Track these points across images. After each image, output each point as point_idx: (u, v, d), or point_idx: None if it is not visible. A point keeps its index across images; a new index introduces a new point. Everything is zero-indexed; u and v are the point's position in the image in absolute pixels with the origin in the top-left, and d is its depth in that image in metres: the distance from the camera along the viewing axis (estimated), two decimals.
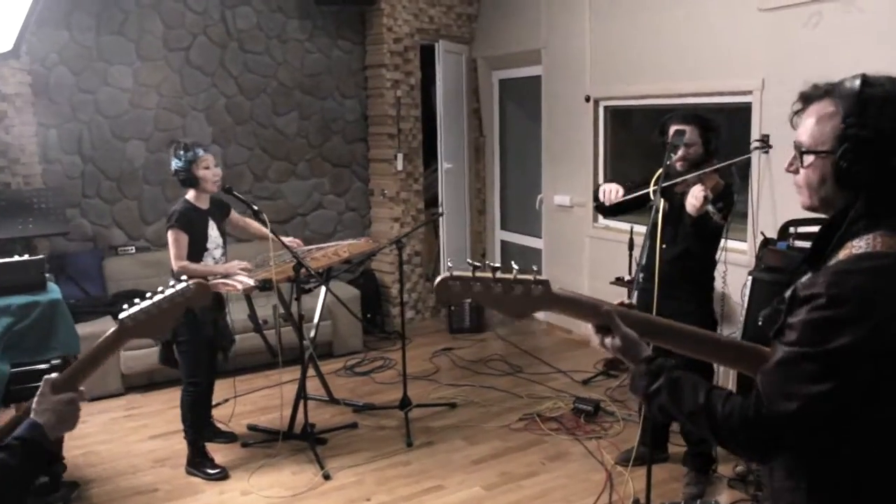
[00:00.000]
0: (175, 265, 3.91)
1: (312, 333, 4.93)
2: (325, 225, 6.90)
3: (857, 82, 1.39)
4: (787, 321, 1.38)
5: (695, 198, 3.41)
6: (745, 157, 4.41)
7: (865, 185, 1.39)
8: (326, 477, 4.03)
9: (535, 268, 1.58)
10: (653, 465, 3.51)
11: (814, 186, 1.46)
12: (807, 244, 3.70)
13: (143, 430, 4.71)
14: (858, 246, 1.38)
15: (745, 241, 4.74)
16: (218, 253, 4.11)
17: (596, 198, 3.91)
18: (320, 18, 6.59)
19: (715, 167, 3.58)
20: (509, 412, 4.83)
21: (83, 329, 5.01)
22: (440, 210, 6.66)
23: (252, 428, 4.62)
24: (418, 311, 7.06)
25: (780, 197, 4.44)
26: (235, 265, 4.04)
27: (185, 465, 4.14)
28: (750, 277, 3.98)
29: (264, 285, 3.97)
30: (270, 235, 3.99)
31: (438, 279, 1.55)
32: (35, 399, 1.51)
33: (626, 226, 5.32)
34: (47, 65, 5.53)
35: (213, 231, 4.09)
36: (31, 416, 1.49)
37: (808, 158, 1.45)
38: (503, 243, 7.49)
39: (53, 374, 1.55)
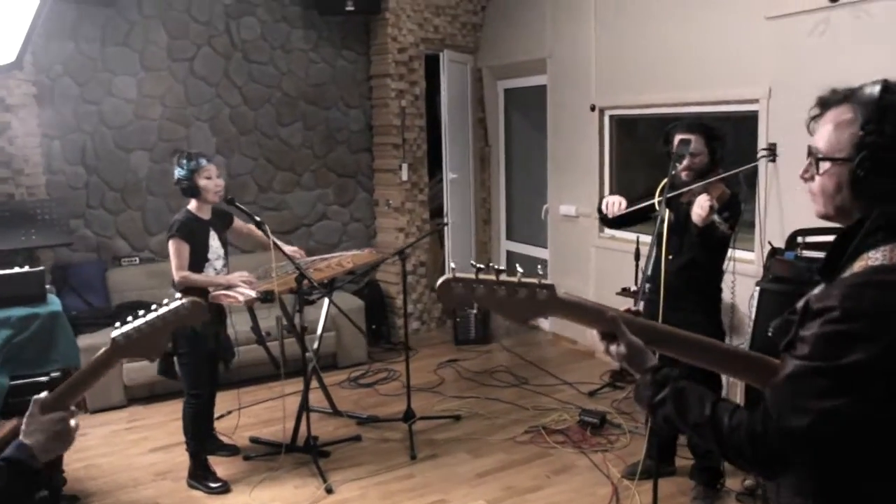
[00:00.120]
0: (176, 275, 3.89)
1: (316, 345, 4.89)
2: (329, 236, 6.88)
3: (878, 88, 1.35)
4: (798, 334, 1.34)
5: (700, 207, 3.36)
6: (752, 165, 4.37)
7: (883, 194, 1.34)
8: (329, 491, 3.98)
9: (540, 271, 1.54)
10: (660, 479, 3.46)
11: (829, 194, 1.41)
12: (815, 254, 3.66)
13: (144, 443, 4.67)
14: (875, 258, 1.33)
15: (753, 250, 4.69)
16: (219, 264, 4.08)
17: (600, 210, 3.87)
18: (324, 28, 6.58)
19: (721, 176, 3.54)
20: (514, 424, 4.78)
21: (86, 340, 5.03)
22: (445, 220, 6.63)
23: (254, 440, 4.58)
24: (424, 322, 7.02)
25: (787, 206, 4.39)
26: (237, 277, 4.01)
27: (186, 478, 4.10)
28: (757, 288, 3.92)
29: (266, 297, 3.93)
30: (272, 247, 3.96)
31: (440, 281, 1.50)
32: (24, 419, 1.47)
33: (632, 236, 5.28)
34: (52, 76, 5.53)
35: (214, 242, 4.06)
36: (20, 436, 1.45)
37: (824, 165, 1.40)
38: (509, 253, 7.45)
39: (43, 394, 1.51)
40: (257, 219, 4.05)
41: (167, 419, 4.93)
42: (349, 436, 4.63)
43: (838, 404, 1.25)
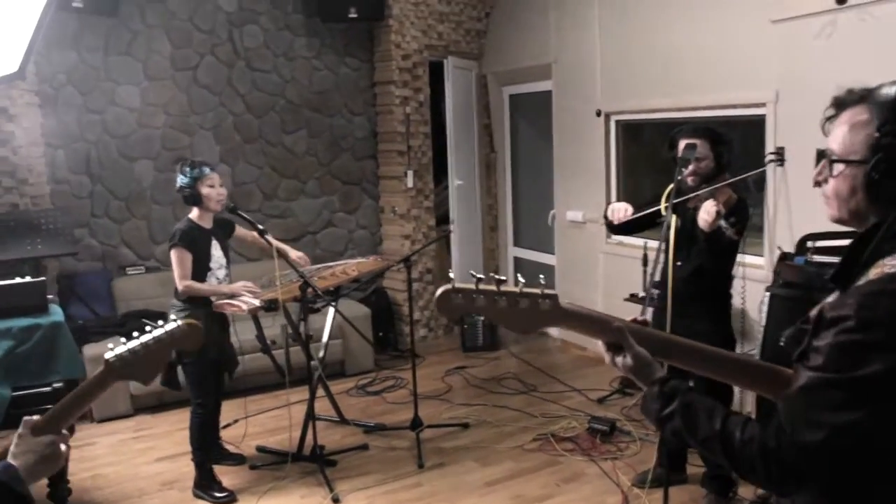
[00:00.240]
0: (180, 285, 3.87)
1: (322, 353, 4.86)
2: (335, 243, 6.86)
3: (894, 89, 1.31)
4: (812, 344, 1.29)
5: (707, 213, 3.32)
6: (760, 170, 4.32)
7: None
8: (336, 500, 3.95)
9: (542, 280, 1.50)
10: (670, 487, 3.43)
11: (843, 198, 1.37)
12: (825, 258, 3.61)
13: (150, 452, 4.65)
14: (891, 265, 1.27)
15: (762, 255, 4.65)
16: (221, 273, 4.06)
17: (606, 216, 3.83)
18: (328, 36, 6.57)
19: (728, 181, 3.50)
20: (523, 432, 4.74)
21: (93, 350, 5.03)
22: (450, 227, 6.59)
23: (261, 449, 4.55)
24: (431, 329, 6.99)
25: (796, 210, 4.34)
26: (241, 286, 3.99)
27: (192, 487, 4.07)
28: (767, 293, 3.88)
29: (270, 305, 3.91)
30: (276, 255, 3.94)
31: (440, 291, 1.47)
32: (14, 440, 1.44)
33: (639, 241, 5.25)
34: (55, 85, 5.53)
35: (216, 251, 4.04)
36: (8, 457, 1.41)
37: (838, 167, 1.36)
38: (516, 260, 7.42)
39: (34, 417, 1.47)
40: (260, 227, 4.03)
41: (174, 428, 4.91)
42: (356, 444, 4.59)
43: (854, 418, 1.20)
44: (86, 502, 4.01)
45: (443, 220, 7.05)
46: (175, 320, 1.55)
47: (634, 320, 1.54)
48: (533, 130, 7.08)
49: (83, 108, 5.65)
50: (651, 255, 4.69)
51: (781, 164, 4.36)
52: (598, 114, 5.89)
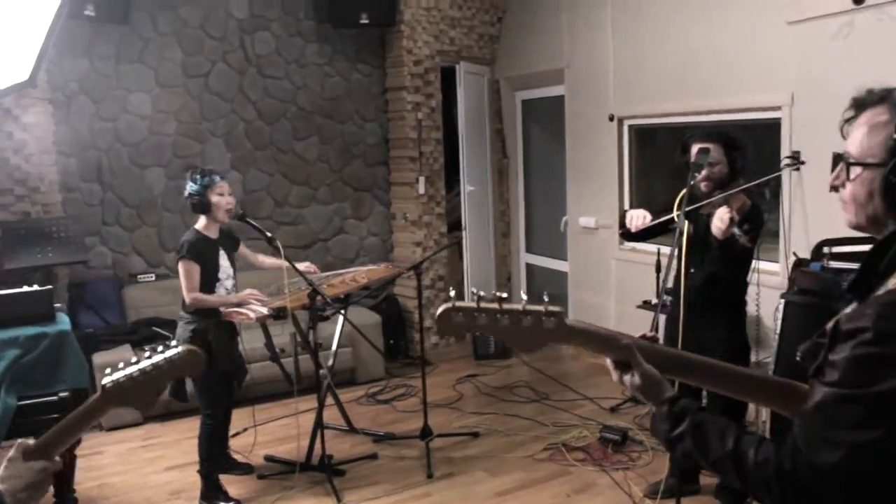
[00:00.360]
0: (187, 297, 3.84)
1: (331, 362, 4.82)
2: (346, 250, 6.83)
3: None
4: (828, 358, 1.22)
5: (720, 220, 3.23)
6: (776, 174, 4.25)
7: None
8: None
9: (546, 297, 1.45)
10: (683, 498, 3.36)
11: (861, 202, 1.30)
12: (842, 265, 3.53)
13: (159, 461, 4.62)
14: None
15: (777, 262, 4.56)
16: (229, 283, 4.03)
17: (622, 224, 3.75)
18: (339, 42, 6.56)
19: (742, 187, 3.43)
20: (534, 441, 4.67)
21: (103, 358, 5.02)
22: (462, 234, 6.54)
23: (269, 459, 4.51)
24: (443, 337, 6.93)
25: (812, 215, 4.26)
26: (248, 294, 3.96)
27: (198, 499, 4.04)
28: (782, 301, 3.80)
29: (278, 314, 3.88)
30: (284, 262, 3.90)
31: (440, 310, 1.42)
32: (3, 463, 1.39)
33: (653, 247, 5.18)
34: (67, 93, 5.54)
35: (224, 261, 4.01)
36: None
37: (855, 171, 1.30)
38: (528, 266, 7.35)
39: (29, 440, 1.42)
40: (269, 234, 4.00)
41: (183, 437, 4.88)
42: (365, 454, 4.55)
43: (873, 436, 1.14)
44: None
45: (455, 226, 7.00)
46: (176, 346, 1.49)
47: (643, 336, 1.49)
48: (545, 136, 7.03)
49: (95, 116, 5.66)
50: (665, 262, 4.63)
51: (797, 169, 4.29)
52: (611, 118, 5.83)
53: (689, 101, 5.12)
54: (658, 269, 5.00)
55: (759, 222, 3.42)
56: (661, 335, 3.75)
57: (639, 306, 5.26)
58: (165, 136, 5.93)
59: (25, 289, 3.52)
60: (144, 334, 5.44)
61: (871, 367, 1.15)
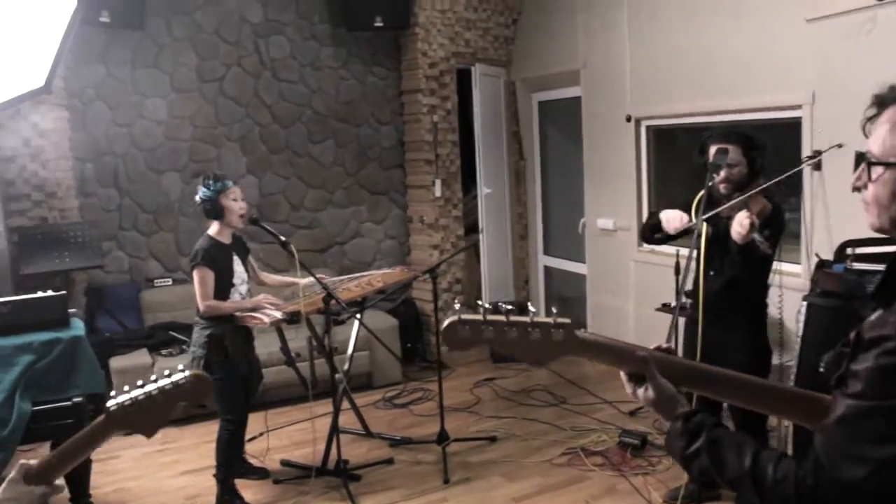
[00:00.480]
0: (202, 305, 3.84)
1: (346, 366, 4.79)
2: (363, 254, 6.81)
3: None
4: (850, 368, 1.17)
5: (740, 225, 3.13)
6: (796, 169, 4.15)
7: None
8: None
9: (554, 310, 1.39)
10: None
11: (883, 204, 1.24)
12: (866, 266, 3.45)
13: (175, 466, 4.62)
14: None
15: (799, 263, 4.48)
16: (244, 288, 4.02)
17: (655, 227, 3.66)
18: (354, 45, 6.54)
19: (762, 186, 3.34)
20: (552, 446, 4.62)
21: (120, 362, 5.04)
22: (479, 237, 6.50)
23: (285, 463, 4.49)
24: (450, 351, 6.86)
25: (835, 216, 4.18)
26: (262, 298, 3.95)
27: (214, 502, 4.02)
28: (805, 303, 3.72)
29: (292, 318, 3.86)
30: (289, 279, 3.90)
31: (446, 323, 1.38)
32: (4, 485, 1.37)
33: (671, 249, 5.09)
34: (84, 99, 5.56)
35: (238, 266, 4.00)
36: None
37: (877, 171, 1.24)
38: (546, 269, 7.29)
39: (32, 461, 1.40)
40: (283, 238, 3.98)
41: (200, 441, 4.87)
42: (381, 458, 4.52)
43: None
44: None
45: (471, 229, 6.96)
46: (183, 371, 1.46)
47: (658, 348, 1.44)
48: (562, 137, 6.97)
49: (111, 122, 5.68)
50: (684, 264, 4.55)
51: (819, 168, 4.20)
52: (629, 119, 5.76)
53: (707, 100, 5.05)
54: (677, 272, 4.93)
55: (781, 226, 3.34)
56: (680, 338, 3.68)
57: (658, 309, 5.19)
58: (181, 140, 5.94)
59: (39, 294, 3.52)
60: (161, 338, 5.45)
61: None
